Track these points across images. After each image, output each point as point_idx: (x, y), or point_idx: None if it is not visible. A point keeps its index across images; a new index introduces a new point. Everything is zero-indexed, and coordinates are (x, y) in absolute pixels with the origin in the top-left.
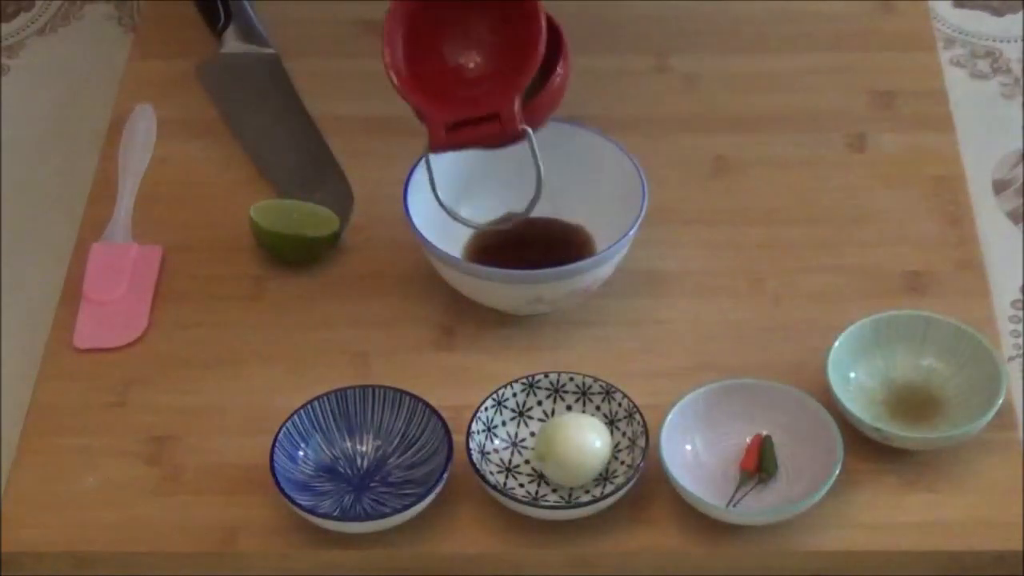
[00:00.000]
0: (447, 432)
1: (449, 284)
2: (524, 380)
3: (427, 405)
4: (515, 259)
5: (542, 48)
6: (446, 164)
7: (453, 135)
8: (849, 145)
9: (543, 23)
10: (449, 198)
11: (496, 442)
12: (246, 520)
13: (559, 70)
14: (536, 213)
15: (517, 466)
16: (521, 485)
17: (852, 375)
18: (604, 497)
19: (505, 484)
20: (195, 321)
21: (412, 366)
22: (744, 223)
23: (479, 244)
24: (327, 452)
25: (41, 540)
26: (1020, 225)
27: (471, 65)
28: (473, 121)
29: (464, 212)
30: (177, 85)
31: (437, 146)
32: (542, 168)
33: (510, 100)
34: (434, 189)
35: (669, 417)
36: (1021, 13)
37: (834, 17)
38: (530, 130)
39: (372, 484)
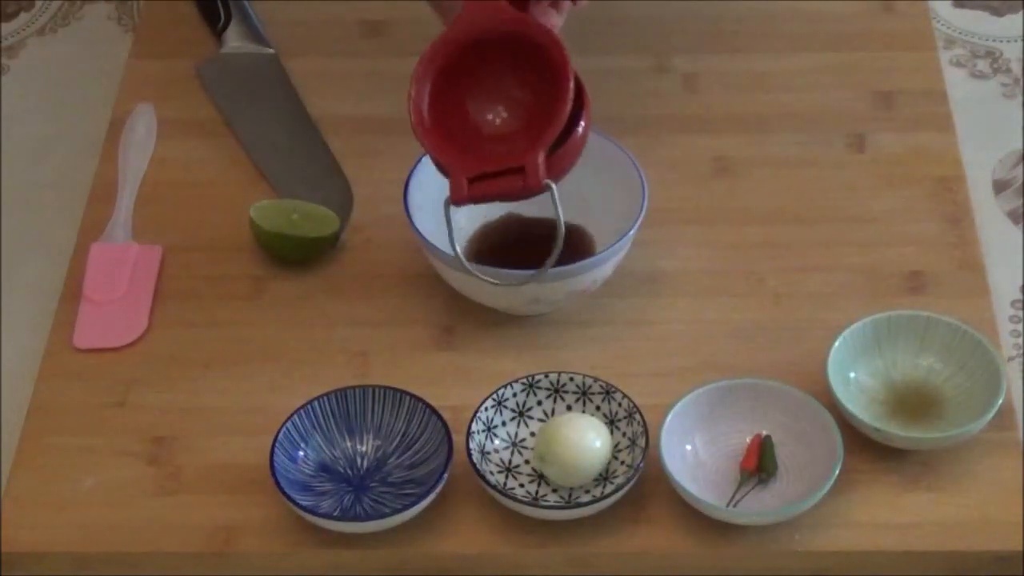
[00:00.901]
0: (447, 432)
1: (449, 284)
2: (524, 380)
3: (427, 405)
4: (515, 259)
5: (569, 104)
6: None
7: (475, 188)
8: (849, 145)
9: (571, 79)
10: None
11: (496, 442)
12: (246, 520)
13: (581, 122)
14: (536, 213)
15: (517, 466)
16: (521, 485)
17: (852, 375)
18: (604, 497)
19: (505, 484)
20: (195, 321)
21: (412, 366)
22: (744, 223)
23: (479, 244)
24: (327, 452)
25: (41, 540)
26: (1020, 225)
27: (497, 121)
28: (495, 174)
29: (464, 212)
30: (177, 85)
31: (459, 198)
32: (563, 222)
33: (535, 154)
34: (452, 242)
35: (669, 417)
36: (1021, 13)
37: (834, 17)
38: (553, 184)
39: (372, 484)
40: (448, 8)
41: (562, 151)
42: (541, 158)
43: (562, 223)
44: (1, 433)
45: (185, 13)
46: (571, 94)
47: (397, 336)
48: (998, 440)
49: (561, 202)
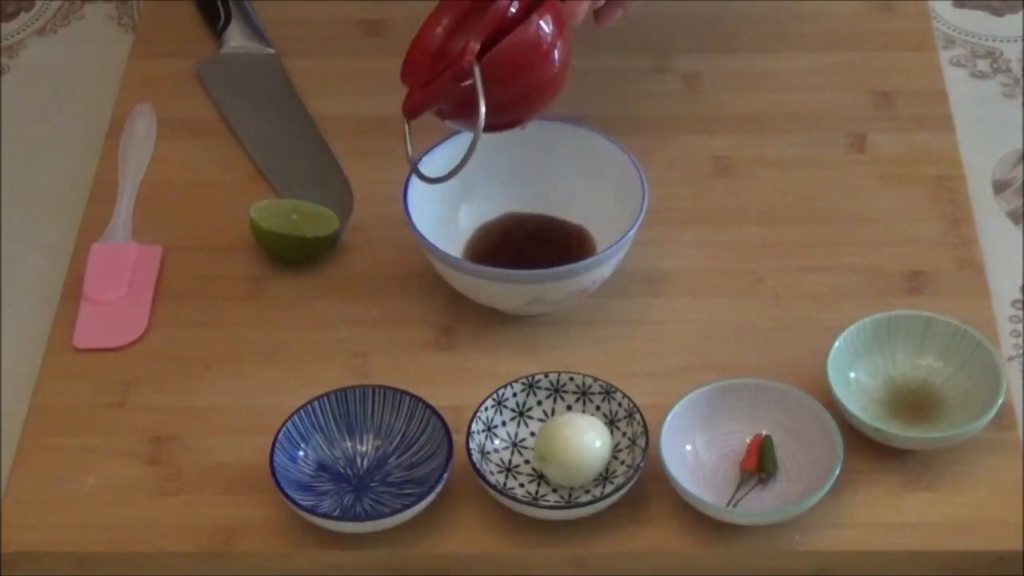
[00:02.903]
0: (447, 432)
1: (449, 284)
2: (524, 380)
3: (427, 405)
4: (515, 259)
5: None
6: (447, 164)
7: (418, 92)
8: (849, 145)
9: None
10: (449, 198)
11: (496, 442)
12: (246, 520)
13: (533, 20)
14: (536, 213)
15: (517, 466)
16: (521, 485)
17: (852, 375)
18: (604, 497)
19: (505, 484)
20: (195, 321)
21: (412, 366)
22: (744, 223)
23: (479, 244)
24: (327, 452)
25: (41, 540)
26: (1020, 225)
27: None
28: (436, 77)
29: (463, 212)
30: (177, 85)
31: (404, 106)
32: (484, 109)
33: (464, 42)
34: (408, 153)
35: (669, 417)
36: (1021, 13)
37: (834, 17)
38: (477, 66)
39: (372, 484)
40: None
41: (508, 43)
42: (472, 45)
43: (482, 104)
44: (1, 433)
45: (185, 13)
46: None
47: (397, 336)
48: (998, 440)
49: (560, 199)
